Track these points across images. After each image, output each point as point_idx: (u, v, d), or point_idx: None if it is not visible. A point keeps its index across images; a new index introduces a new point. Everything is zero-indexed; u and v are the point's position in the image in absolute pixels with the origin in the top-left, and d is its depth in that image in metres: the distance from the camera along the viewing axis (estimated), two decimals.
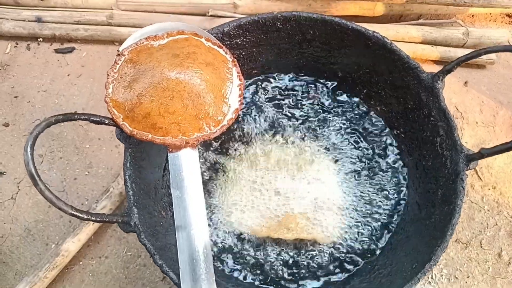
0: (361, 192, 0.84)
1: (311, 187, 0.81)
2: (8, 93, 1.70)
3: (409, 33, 1.71)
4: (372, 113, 0.89)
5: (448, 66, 0.75)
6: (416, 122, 0.80)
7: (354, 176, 0.85)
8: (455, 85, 1.72)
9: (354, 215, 0.81)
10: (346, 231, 0.80)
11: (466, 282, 1.41)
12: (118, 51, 0.76)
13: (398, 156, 0.86)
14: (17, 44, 1.81)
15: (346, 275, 0.75)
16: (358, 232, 0.80)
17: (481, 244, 1.46)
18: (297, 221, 0.79)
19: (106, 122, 0.68)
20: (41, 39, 1.81)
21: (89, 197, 1.51)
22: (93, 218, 0.59)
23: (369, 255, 0.78)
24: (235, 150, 0.88)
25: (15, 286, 1.34)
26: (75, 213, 0.58)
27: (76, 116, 0.65)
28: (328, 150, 0.86)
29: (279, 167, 0.85)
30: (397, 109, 0.84)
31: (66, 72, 1.75)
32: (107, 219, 0.62)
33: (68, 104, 1.66)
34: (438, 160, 0.75)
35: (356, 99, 0.90)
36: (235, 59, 0.77)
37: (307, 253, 0.78)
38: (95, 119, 0.67)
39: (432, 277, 1.41)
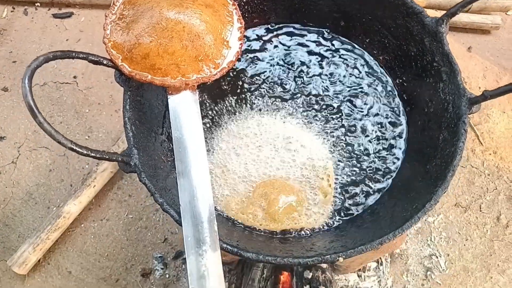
0: (360, 142, 0.83)
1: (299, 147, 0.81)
2: (6, 58, 1.68)
3: None
4: (374, 62, 0.88)
5: (453, 9, 0.73)
6: (419, 69, 0.79)
7: (356, 125, 0.84)
8: (459, 50, 1.69)
9: (351, 165, 0.81)
10: (341, 187, 0.79)
11: (464, 245, 1.42)
12: None
13: (399, 105, 0.85)
14: (13, 8, 1.78)
15: (345, 219, 0.76)
16: (355, 179, 0.80)
17: (480, 208, 1.47)
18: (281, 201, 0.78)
19: (104, 63, 0.67)
20: (38, 4, 1.78)
21: (90, 161, 1.51)
22: (92, 154, 0.59)
23: (369, 199, 0.78)
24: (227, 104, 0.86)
25: (19, 247, 1.35)
26: (74, 147, 0.57)
27: (74, 54, 0.64)
28: (327, 100, 0.85)
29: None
30: (400, 57, 0.83)
31: (65, 37, 1.73)
32: (106, 156, 0.61)
33: (67, 69, 1.64)
34: (440, 105, 0.74)
35: (358, 49, 0.88)
36: (235, 2, 0.76)
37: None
38: (93, 58, 0.66)
39: (431, 240, 1.43)
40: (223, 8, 0.75)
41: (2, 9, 1.78)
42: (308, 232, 0.75)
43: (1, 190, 1.50)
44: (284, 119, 0.85)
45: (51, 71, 1.64)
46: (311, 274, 1.09)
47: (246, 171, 0.80)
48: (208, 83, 0.72)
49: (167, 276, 1.36)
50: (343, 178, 0.81)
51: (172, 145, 0.70)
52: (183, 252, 1.39)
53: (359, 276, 1.30)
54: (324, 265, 1.09)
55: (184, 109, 0.68)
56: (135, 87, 0.72)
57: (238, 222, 0.77)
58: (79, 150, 0.58)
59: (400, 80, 0.86)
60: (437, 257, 1.40)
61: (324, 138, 0.85)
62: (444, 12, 1.63)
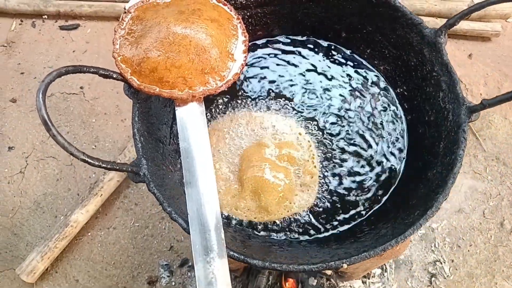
0: (362, 150, 0.85)
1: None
2: (15, 69, 1.72)
3: (413, 5, 1.70)
4: (375, 72, 0.90)
5: (451, 20, 0.75)
6: (419, 78, 0.81)
7: (357, 133, 0.86)
8: (460, 57, 1.72)
9: (354, 172, 0.83)
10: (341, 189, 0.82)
11: (468, 251, 1.43)
12: (124, 8, 0.77)
13: (401, 113, 0.87)
14: (22, 21, 1.83)
15: (347, 226, 0.77)
16: (360, 186, 0.82)
17: (484, 214, 1.48)
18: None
19: (114, 76, 0.70)
20: (45, 16, 1.82)
21: (96, 170, 1.53)
22: (103, 165, 0.61)
23: (371, 206, 0.80)
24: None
25: (27, 256, 1.37)
26: (86, 159, 0.59)
27: (85, 69, 0.66)
28: (328, 112, 0.87)
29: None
30: (400, 67, 0.85)
31: (71, 48, 1.76)
32: (117, 167, 0.63)
33: (74, 80, 1.68)
34: (440, 114, 0.76)
35: (360, 59, 0.90)
36: (239, 16, 0.78)
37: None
38: (103, 72, 0.68)
39: (435, 246, 1.43)
40: (228, 22, 0.77)
41: (11, 22, 1.82)
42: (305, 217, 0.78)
43: (10, 199, 1.52)
44: (272, 114, 0.88)
45: (58, 82, 1.66)
46: (316, 281, 1.11)
47: (234, 164, 0.83)
48: (214, 95, 0.74)
49: (173, 283, 1.37)
50: (345, 184, 0.83)
51: (180, 155, 0.72)
52: (189, 260, 1.42)
53: (363, 282, 1.31)
54: (329, 272, 1.10)
55: (191, 120, 0.71)
56: (143, 99, 0.74)
57: (234, 218, 0.80)
58: (91, 161, 0.60)
59: (401, 90, 0.88)
60: (441, 263, 1.40)
61: (317, 142, 0.87)
62: (445, 20, 1.66)
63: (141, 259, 1.43)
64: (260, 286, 1.11)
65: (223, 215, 0.80)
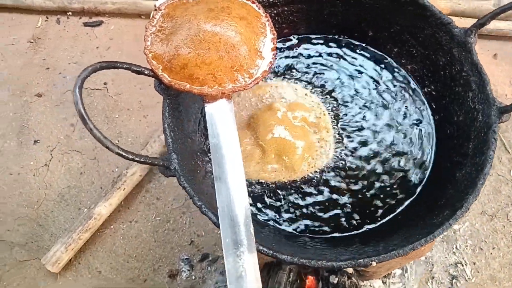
0: (388, 151, 0.84)
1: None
2: (40, 65, 1.76)
3: (437, 4, 1.68)
4: (402, 71, 0.89)
5: (482, 20, 0.74)
6: (448, 78, 0.81)
7: (384, 134, 0.86)
8: (484, 57, 1.68)
9: (381, 173, 0.83)
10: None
11: (491, 254, 1.41)
12: (155, 6, 0.79)
13: (428, 113, 0.86)
14: (47, 18, 1.86)
15: (374, 225, 0.77)
16: (386, 185, 0.82)
17: (507, 217, 1.45)
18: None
19: (145, 73, 0.71)
20: (70, 13, 1.85)
21: (119, 165, 1.56)
22: (136, 159, 0.63)
23: (397, 207, 0.79)
24: None
25: (51, 247, 1.41)
26: (121, 152, 0.61)
27: (119, 64, 0.68)
28: (356, 111, 0.87)
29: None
30: (428, 66, 0.85)
31: (95, 44, 1.79)
32: (150, 161, 0.65)
33: (98, 76, 1.70)
34: (469, 114, 0.75)
35: (387, 58, 0.90)
36: (268, 14, 0.79)
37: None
38: (136, 68, 0.70)
39: (457, 248, 1.42)
40: (256, 20, 0.78)
41: (37, 19, 1.86)
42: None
43: (35, 191, 1.56)
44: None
45: None
46: (337, 279, 1.11)
47: (247, 130, 0.85)
48: (243, 92, 0.75)
49: (193, 277, 1.39)
50: (375, 184, 0.83)
51: (208, 151, 0.73)
52: (209, 255, 1.43)
53: (384, 282, 1.31)
54: (351, 271, 1.10)
55: (221, 117, 0.72)
56: (173, 95, 0.76)
57: (262, 181, 0.83)
58: (125, 155, 0.62)
59: (429, 89, 0.87)
60: (462, 265, 1.39)
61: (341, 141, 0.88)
62: (469, 19, 1.62)
63: (162, 253, 1.45)
64: (281, 282, 1.12)
65: (252, 181, 0.82)
